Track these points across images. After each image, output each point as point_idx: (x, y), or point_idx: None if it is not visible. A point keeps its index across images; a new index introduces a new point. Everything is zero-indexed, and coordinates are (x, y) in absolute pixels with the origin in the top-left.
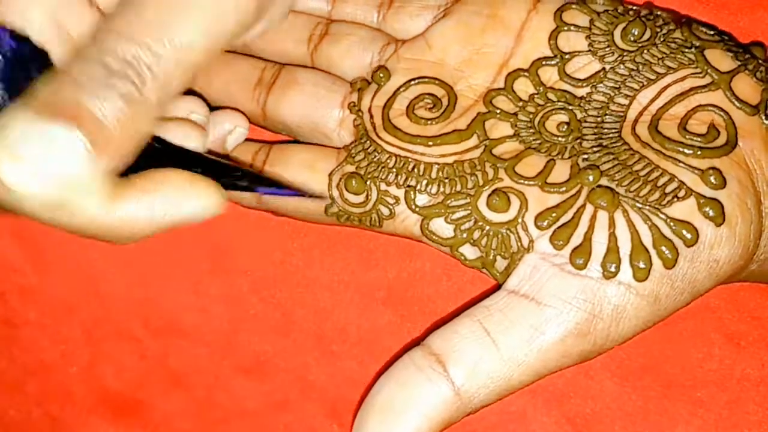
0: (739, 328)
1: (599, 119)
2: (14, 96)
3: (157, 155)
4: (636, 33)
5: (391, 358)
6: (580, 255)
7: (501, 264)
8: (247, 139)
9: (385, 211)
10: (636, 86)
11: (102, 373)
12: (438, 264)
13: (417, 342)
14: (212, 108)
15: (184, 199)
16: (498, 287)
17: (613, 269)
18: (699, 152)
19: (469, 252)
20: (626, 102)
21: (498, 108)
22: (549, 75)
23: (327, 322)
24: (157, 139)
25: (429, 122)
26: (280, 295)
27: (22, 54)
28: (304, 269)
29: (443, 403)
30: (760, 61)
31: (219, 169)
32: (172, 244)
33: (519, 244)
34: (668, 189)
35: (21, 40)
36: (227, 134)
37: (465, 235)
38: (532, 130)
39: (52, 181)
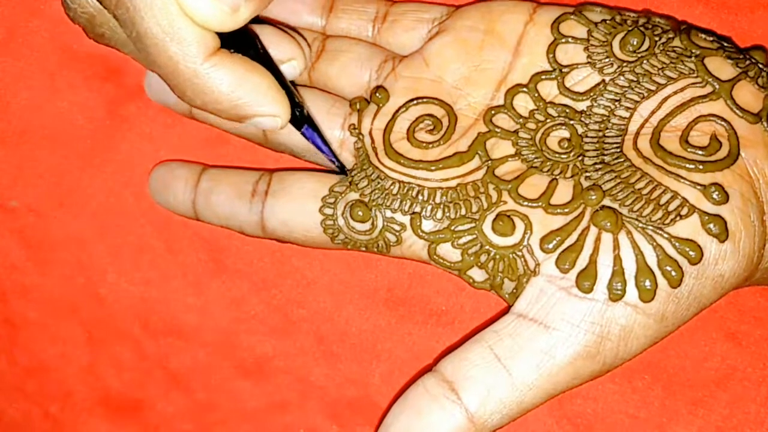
0: (740, 328)
1: (600, 133)
2: None
3: (257, 55)
4: (635, 43)
5: (390, 360)
6: (587, 279)
7: (509, 286)
8: (246, 168)
9: (391, 237)
10: (636, 98)
11: (102, 373)
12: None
13: (428, 367)
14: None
15: (262, 97)
16: (507, 307)
17: (619, 291)
18: (701, 166)
19: (477, 275)
20: (627, 114)
21: (498, 127)
22: (548, 89)
23: (327, 322)
24: (263, 46)
25: (430, 145)
26: (280, 295)
27: None
28: (304, 269)
29: (458, 430)
30: (761, 66)
31: (288, 89)
32: (172, 244)
33: (525, 267)
34: (671, 207)
35: None
36: (284, 62)
37: (472, 259)
38: (533, 149)
39: (221, 6)
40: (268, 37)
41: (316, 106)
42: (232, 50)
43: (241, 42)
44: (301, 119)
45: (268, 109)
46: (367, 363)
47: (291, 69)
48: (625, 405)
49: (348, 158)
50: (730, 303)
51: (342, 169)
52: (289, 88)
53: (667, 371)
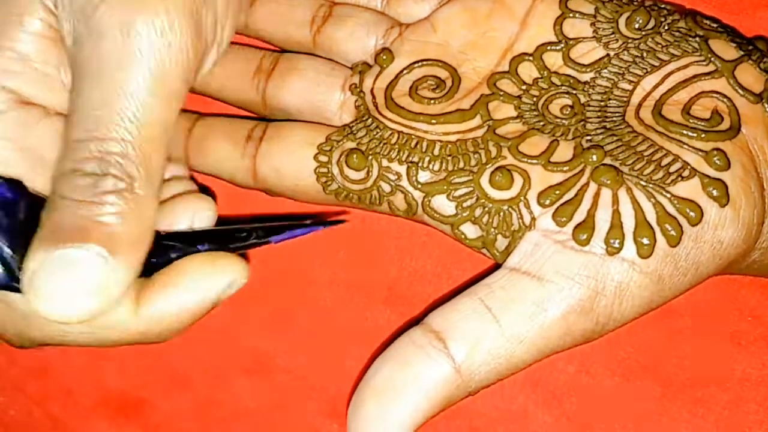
0: (740, 327)
1: (603, 103)
2: (11, 239)
3: (167, 248)
4: (640, 21)
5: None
6: (584, 231)
7: (501, 243)
8: (244, 117)
9: (386, 187)
10: (640, 72)
11: (102, 372)
12: (438, 263)
13: (416, 322)
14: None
15: (210, 282)
16: (498, 267)
17: (616, 245)
18: (703, 135)
19: (469, 231)
20: (630, 87)
21: (502, 90)
22: (553, 60)
23: (327, 321)
24: (160, 234)
25: (432, 102)
26: (281, 295)
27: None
28: (304, 269)
29: (443, 380)
30: (763, 53)
31: (227, 236)
32: None
33: (521, 221)
34: (672, 169)
35: None
36: (191, 224)
37: (466, 213)
38: (535, 113)
39: (82, 298)
40: (171, 212)
41: (316, 68)
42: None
43: (154, 252)
44: (263, 236)
45: (221, 283)
46: (367, 362)
47: (208, 219)
48: (625, 405)
49: (348, 120)
50: (730, 303)
51: (333, 222)
52: (224, 231)
53: (667, 371)
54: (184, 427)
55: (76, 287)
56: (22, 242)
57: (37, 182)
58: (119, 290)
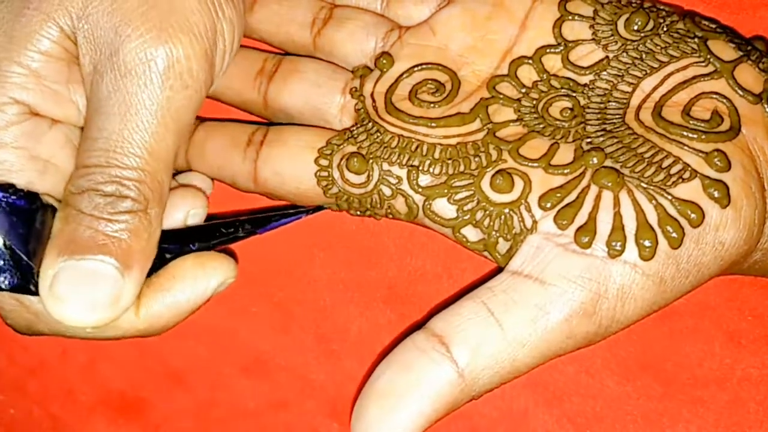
0: (740, 327)
1: (602, 105)
2: (22, 244)
3: (162, 250)
4: (639, 23)
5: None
6: (585, 233)
7: (503, 246)
8: (243, 121)
9: (386, 191)
10: (639, 74)
11: (102, 372)
12: (438, 263)
13: (418, 327)
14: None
15: (201, 282)
16: (499, 271)
17: (618, 248)
18: (703, 136)
19: (471, 234)
20: (629, 89)
21: (501, 93)
22: (552, 63)
23: (327, 321)
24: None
25: (432, 105)
26: (280, 294)
27: (13, 204)
28: (304, 269)
29: (447, 384)
30: (762, 52)
31: (215, 231)
32: None
33: (522, 224)
34: (673, 170)
35: (5, 190)
36: (185, 218)
37: (468, 216)
38: (535, 115)
39: (99, 307)
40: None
41: (317, 71)
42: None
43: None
44: (251, 229)
45: (212, 282)
46: (367, 361)
47: (197, 216)
48: (625, 404)
49: (348, 123)
50: (730, 302)
51: (315, 208)
52: (213, 226)
53: (667, 371)
54: (183, 426)
55: (94, 297)
56: (38, 249)
57: (43, 186)
58: (130, 301)
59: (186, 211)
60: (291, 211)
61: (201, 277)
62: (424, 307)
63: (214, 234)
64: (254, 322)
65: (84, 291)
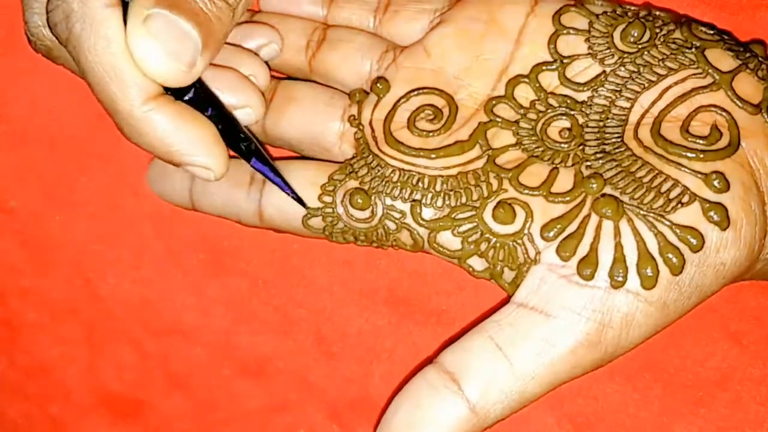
0: (741, 327)
1: (601, 123)
2: None
3: (198, 98)
4: (636, 34)
5: (390, 359)
6: (588, 266)
7: (509, 275)
8: None
9: (391, 225)
10: (637, 88)
11: (102, 374)
12: (438, 264)
13: (429, 360)
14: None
15: (196, 148)
16: (507, 299)
17: (620, 278)
18: (702, 155)
19: (477, 264)
20: (628, 105)
21: (499, 116)
22: (549, 80)
23: (327, 322)
24: (206, 90)
25: (431, 134)
26: (280, 295)
27: None
28: (304, 269)
29: (460, 421)
30: (761, 59)
31: (235, 127)
32: (172, 244)
33: (526, 255)
34: (672, 195)
35: None
36: (261, 47)
37: (472, 248)
38: (534, 138)
39: (180, 60)
40: (226, 82)
41: (314, 98)
42: (169, 93)
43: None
44: (248, 153)
45: (201, 160)
46: (367, 363)
47: (246, 116)
48: (625, 405)
49: (348, 150)
50: (731, 303)
51: (298, 199)
52: (236, 128)
53: (667, 371)
54: (183, 428)
55: (178, 49)
56: None
57: None
58: (196, 75)
59: (263, 42)
60: (289, 189)
61: (202, 145)
62: (423, 309)
63: (234, 126)
64: (254, 323)
65: (173, 40)
